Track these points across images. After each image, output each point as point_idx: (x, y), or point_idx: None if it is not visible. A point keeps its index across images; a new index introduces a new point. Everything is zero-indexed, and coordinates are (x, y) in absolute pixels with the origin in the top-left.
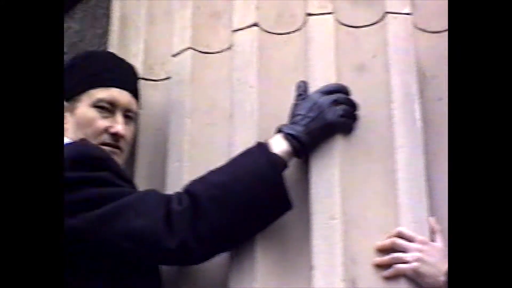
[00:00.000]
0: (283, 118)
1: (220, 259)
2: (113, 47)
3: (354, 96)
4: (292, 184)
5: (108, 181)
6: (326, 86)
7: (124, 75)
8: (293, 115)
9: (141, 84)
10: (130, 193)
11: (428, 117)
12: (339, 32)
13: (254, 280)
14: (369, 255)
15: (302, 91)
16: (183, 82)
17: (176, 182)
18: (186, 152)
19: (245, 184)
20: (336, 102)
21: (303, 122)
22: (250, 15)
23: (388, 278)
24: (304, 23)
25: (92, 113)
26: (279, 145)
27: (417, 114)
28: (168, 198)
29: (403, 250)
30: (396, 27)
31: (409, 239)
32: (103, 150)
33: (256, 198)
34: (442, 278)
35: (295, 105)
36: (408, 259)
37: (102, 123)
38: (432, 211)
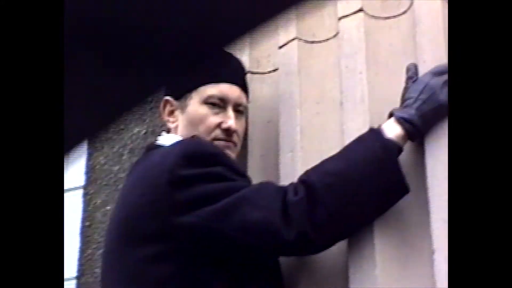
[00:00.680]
0: (395, 102)
1: (338, 247)
2: None
3: None
4: (408, 168)
5: (223, 175)
6: (437, 67)
7: (233, 70)
8: (405, 98)
9: (249, 77)
10: (245, 187)
11: None
12: (447, 10)
13: (375, 267)
14: None
15: (412, 73)
16: (291, 73)
17: (289, 173)
18: (298, 143)
19: (360, 170)
20: (447, 83)
21: (415, 105)
22: (355, 1)
23: None
24: (410, 5)
25: (204, 109)
26: (392, 130)
27: None
28: (284, 189)
29: None
30: None
31: None
32: (215, 145)
33: (372, 184)
34: None
35: (406, 89)
36: None
37: (214, 119)
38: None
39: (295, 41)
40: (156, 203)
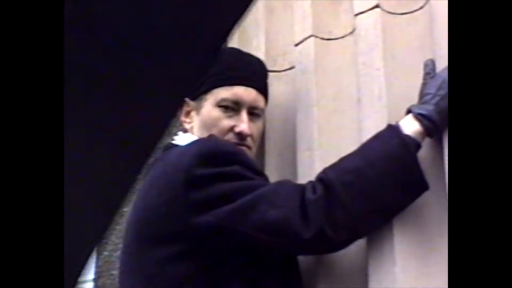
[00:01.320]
0: (413, 98)
1: (357, 245)
2: (234, 42)
3: None
4: (427, 164)
5: (240, 174)
6: None
7: (249, 72)
8: (423, 94)
9: None
10: (263, 185)
11: None
12: None
13: (394, 264)
14: None
15: (430, 69)
16: (307, 71)
17: (307, 171)
18: (315, 141)
19: (378, 167)
20: None
21: (433, 101)
22: None
23: None
24: (427, 0)
25: (217, 112)
26: (410, 126)
27: None
28: (302, 187)
29: None
30: None
31: None
32: (232, 144)
33: (391, 181)
34: None
35: (424, 85)
36: None
37: (227, 122)
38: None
39: (311, 39)
40: (172, 203)
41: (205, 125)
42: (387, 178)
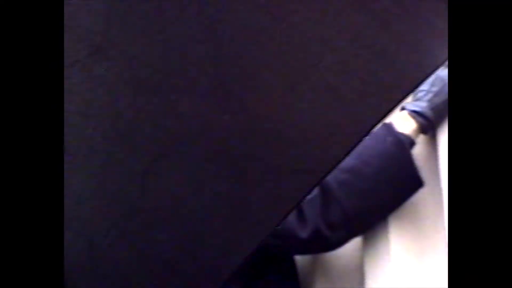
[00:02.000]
0: None
1: (354, 243)
2: None
3: None
4: (422, 161)
5: None
6: None
7: None
8: (416, 91)
9: None
10: None
11: None
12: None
13: (390, 261)
14: None
15: None
16: None
17: None
18: None
19: (373, 165)
20: None
21: (427, 97)
22: None
23: None
24: None
25: None
26: (404, 123)
27: None
28: None
29: None
30: None
31: None
32: None
33: (386, 179)
34: None
35: None
36: None
37: None
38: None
39: None
40: None
41: None
42: (382, 176)
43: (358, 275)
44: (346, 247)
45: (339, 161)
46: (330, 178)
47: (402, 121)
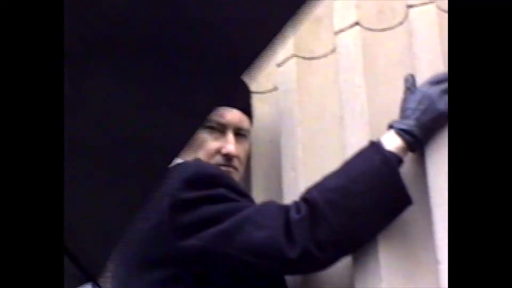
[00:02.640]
0: (394, 114)
1: (343, 262)
2: None
3: None
4: (410, 179)
5: (225, 197)
6: (434, 76)
7: (233, 93)
8: (404, 109)
9: None
10: (248, 207)
11: None
12: (443, 20)
13: (380, 280)
14: None
15: (410, 84)
16: (290, 91)
17: (292, 192)
18: (300, 160)
19: (361, 184)
20: (446, 91)
21: (414, 115)
22: (351, 15)
23: None
24: (406, 16)
25: (203, 135)
26: (392, 142)
27: None
28: (286, 208)
29: None
30: None
31: None
32: (217, 167)
33: (374, 197)
34: None
35: (405, 100)
36: None
37: (214, 144)
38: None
39: (293, 59)
40: (159, 227)
41: (192, 147)
42: (370, 195)
43: None
44: (336, 267)
45: None
46: (318, 197)
47: (389, 139)
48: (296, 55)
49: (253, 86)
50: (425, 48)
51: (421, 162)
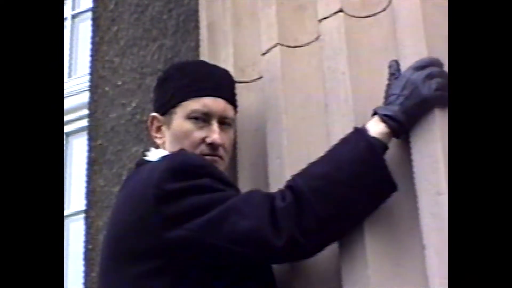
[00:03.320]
0: (379, 100)
1: (330, 249)
2: (204, 55)
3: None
4: (395, 165)
5: (210, 187)
6: (418, 61)
7: (217, 83)
8: (388, 95)
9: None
10: (233, 196)
11: None
12: (426, 5)
13: (367, 266)
14: None
15: (394, 70)
16: (275, 79)
17: (278, 179)
18: (285, 148)
19: (346, 171)
20: (429, 76)
21: (398, 101)
22: (335, 2)
23: None
24: (389, 2)
25: (187, 125)
26: (376, 128)
27: None
28: (271, 196)
29: None
30: None
31: None
32: (202, 157)
33: (359, 184)
34: None
35: (389, 86)
36: None
37: (198, 134)
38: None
39: (278, 47)
40: (144, 219)
41: (177, 138)
42: (355, 182)
43: (336, 281)
44: (323, 254)
45: None
46: (303, 185)
47: (374, 125)
48: (280, 44)
49: (237, 75)
50: (409, 34)
51: (406, 147)
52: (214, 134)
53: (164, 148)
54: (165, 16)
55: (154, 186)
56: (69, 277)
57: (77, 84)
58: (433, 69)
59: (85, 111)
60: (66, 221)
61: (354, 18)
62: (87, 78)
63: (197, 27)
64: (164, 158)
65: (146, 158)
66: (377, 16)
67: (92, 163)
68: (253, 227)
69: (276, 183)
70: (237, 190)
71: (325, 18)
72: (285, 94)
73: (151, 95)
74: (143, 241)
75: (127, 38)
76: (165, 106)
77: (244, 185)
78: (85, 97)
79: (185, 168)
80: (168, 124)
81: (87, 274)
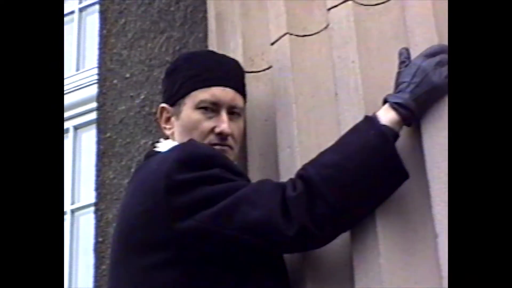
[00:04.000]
0: (389, 88)
1: (341, 238)
2: (213, 46)
3: None
4: (406, 153)
5: (221, 177)
6: (428, 49)
7: (225, 72)
8: (398, 83)
9: None
10: (244, 186)
11: None
12: None
13: (379, 255)
14: None
15: (404, 58)
16: (284, 69)
17: (289, 169)
18: (295, 138)
19: (357, 160)
20: (440, 64)
21: (409, 89)
22: None
23: None
24: None
25: (196, 115)
26: (387, 116)
27: None
28: (283, 185)
29: None
30: None
31: None
32: (211, 148)
33: (371, 173)
34: None
35: (399, 73)
36: None
37: (207, 124)
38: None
39: (287, 36)
40: (155, 210)
41: (186, 129)
42: (366, 170)
43: (348, 270)
44: (334, 243)
45: None
46: (314, 174)
47: (385, 113)
48: (289, 33)
49: (247, 65)
50: (419, 21)
51: (417, 135)
52: (223, 123)
53: (173, 139)
54: (172, 8)
55: (164, 177)
56: (79, 270)
57: (86, 77)
58: (444, 56)
59: (94, 104)
60: (75, 214)
61: (363, 6)
62: (95, 71)
63: (205, 18)
64: (173, 149)
65: (156, 149)
66: (386, 4)
67: (101, 156)
68: (264, 217)
69: (287, 173)
70: (247, 180)
71: (334, 6)
72: (294, 83)
73: (160, 87)
74: (153, 233)
75: (134, 30)
76: (174, 97)
77: (255, 175)
78: (93, 90)
79: (195, 159)
80: (177, 114)
81: (97, 267)
